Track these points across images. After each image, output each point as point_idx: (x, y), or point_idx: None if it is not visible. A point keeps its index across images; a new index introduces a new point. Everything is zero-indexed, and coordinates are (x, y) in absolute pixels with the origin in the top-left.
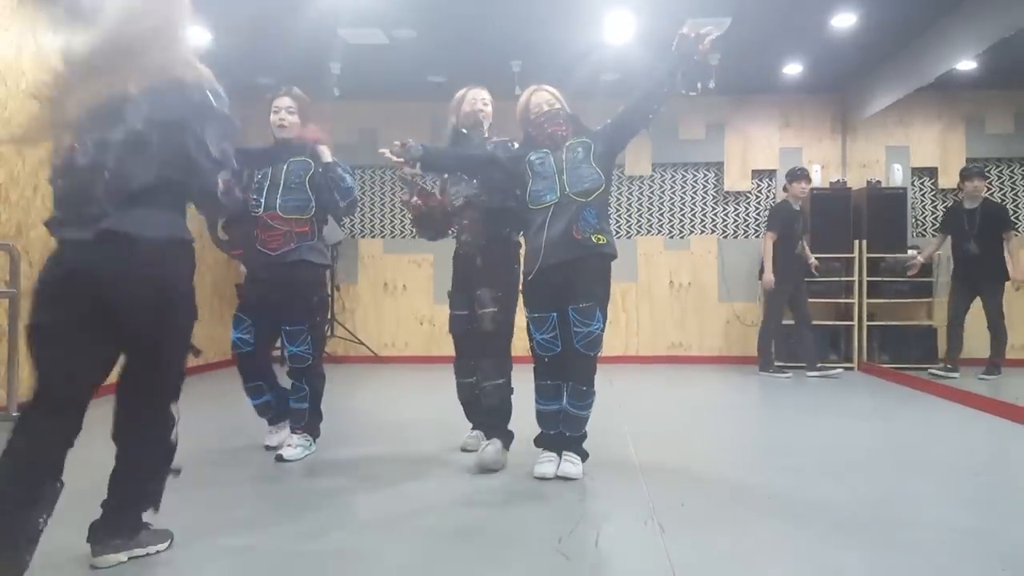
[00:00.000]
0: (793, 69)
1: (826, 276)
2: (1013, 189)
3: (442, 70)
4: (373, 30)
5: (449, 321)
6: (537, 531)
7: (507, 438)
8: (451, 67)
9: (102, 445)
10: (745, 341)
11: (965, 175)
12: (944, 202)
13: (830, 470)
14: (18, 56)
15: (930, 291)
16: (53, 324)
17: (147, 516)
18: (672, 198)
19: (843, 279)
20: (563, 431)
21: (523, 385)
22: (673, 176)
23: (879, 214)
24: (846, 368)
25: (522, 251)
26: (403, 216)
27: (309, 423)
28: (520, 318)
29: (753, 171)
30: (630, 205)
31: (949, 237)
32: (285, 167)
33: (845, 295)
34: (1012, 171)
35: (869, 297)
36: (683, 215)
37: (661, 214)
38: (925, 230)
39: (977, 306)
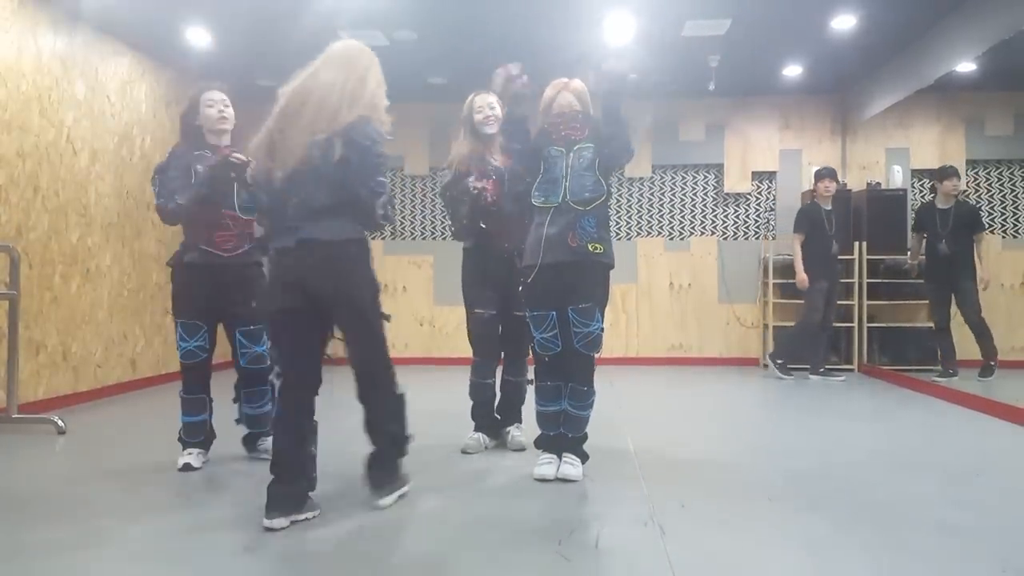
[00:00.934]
0: (793, 71)
1: None
2: (1013, 191)
3: (442, 72)
4: (373, 32)
5: (472, 321)
6: (537, 532)
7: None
8: (451, 69)
9: None
10: (745, 342)
11: (943, 175)
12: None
13: (831, 471)
14: (19, 58)
15: None
16: (281, 312)
17: None
18: (672, 199)
19: (843, 281)
20: (564, 432)
21: None
22: (673, 177)
23: (879, 216)
24: (846, 369)
25: None
26: (403, 217)
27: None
28: None
29: (753, 173)
30: (630, 207)
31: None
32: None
33: (845, 297)
34: (1012, 173)
35: (869, 299)
36: (683, 216)
37: (661, 215)
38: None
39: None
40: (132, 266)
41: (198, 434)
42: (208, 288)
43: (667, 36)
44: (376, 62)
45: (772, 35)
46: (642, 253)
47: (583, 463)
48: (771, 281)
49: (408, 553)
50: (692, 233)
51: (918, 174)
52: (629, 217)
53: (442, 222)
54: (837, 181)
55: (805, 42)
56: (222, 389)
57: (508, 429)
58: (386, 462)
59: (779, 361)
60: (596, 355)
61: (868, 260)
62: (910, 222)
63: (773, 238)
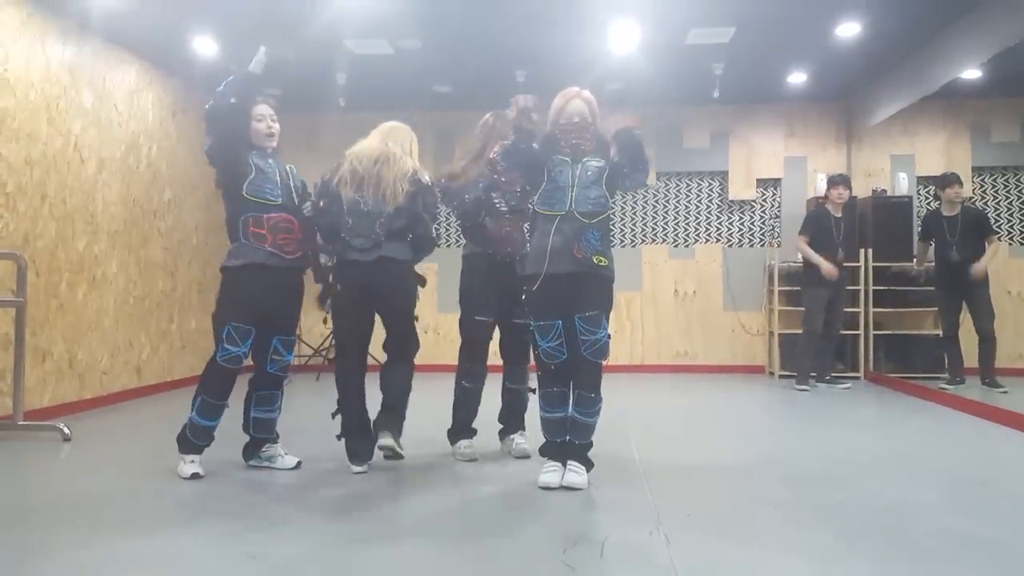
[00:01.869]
0: (797, 78)
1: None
2: (1020, 197)
3: (447, 80)
4: (379, 41)
5: (469, 325)
6: (542, 541)
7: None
8: (456, 77)
9: None
10: (750, 350)
11: (945, 182)
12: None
13: (836, 479)
14: (27, 68)
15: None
16: (345, 307)
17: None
18: (677, 207)
19: (848, 288)
20: (571, 439)
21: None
22: (678, 185)
23: (884, 223)
24: (852, 377)
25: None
26: None
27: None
28: None
29: (758, 180)
30: (635, 214)
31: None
32: (289, 168)
33: (851, 304)
34: (1019, 179)
35: (875, 306)
36: (688, 224)
37: (666, 223)
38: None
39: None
40: (138, 274)
41: (206, 438)
42: (268, 292)
43: (671, 44)
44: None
45: (776, 42)
46: (647, 260)
47: (588, 471)
48: (776, 288)
49: (409, 562)
50: (697, 240)
51: (923, 181)
52: (634, 224)
53: (447, 230)
54: (850, 189)
55: (810, 49)
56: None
57: (512, 436)
58: (394, 409)
59: (823, 382)
60: (603, 362)
61: (874, 267)
62: (916, 229)
63: (778, 245)
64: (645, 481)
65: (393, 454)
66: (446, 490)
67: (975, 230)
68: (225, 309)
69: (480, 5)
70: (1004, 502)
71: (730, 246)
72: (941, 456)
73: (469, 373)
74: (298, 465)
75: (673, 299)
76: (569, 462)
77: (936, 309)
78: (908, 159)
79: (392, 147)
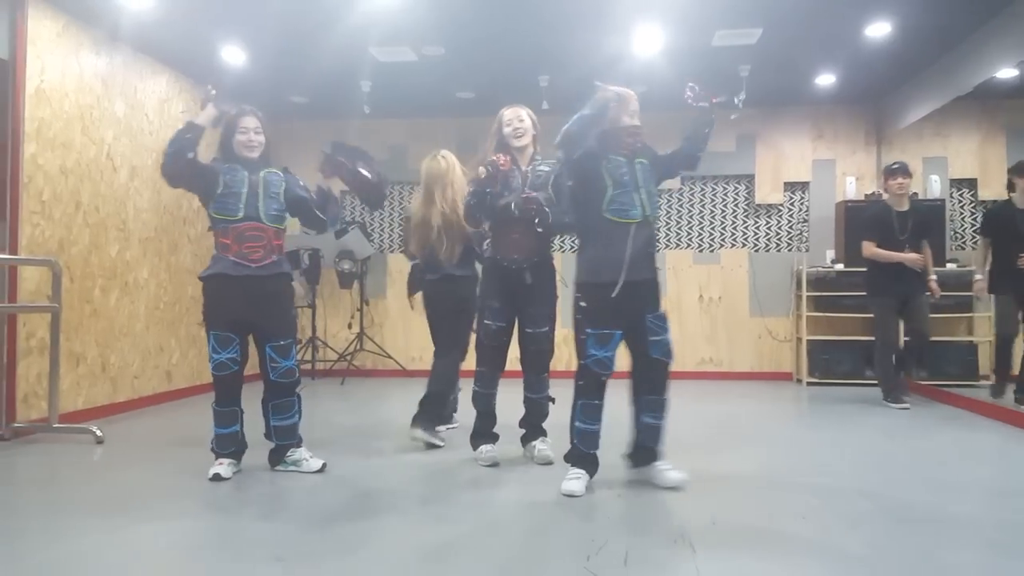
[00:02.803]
0: (826, 79)
1: (861, 291)
2: None
3: (470, 86)
4: (403, 48)
5: (482, 331)
6: (565, 548)
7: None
8: (479, 83)
9: None
10: (778, 356)
11: (1020, 171)
12: None
13: (865, 488)
14: (62, 78)
15: (970, 306)
16: (430, 316)
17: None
18: (702, 211)
19: None
20: (646, 444)
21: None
22: (703, 189)
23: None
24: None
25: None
26: None
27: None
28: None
29: (785, 183)
30: (658, 218)
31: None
32: (263, 176)
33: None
34: None
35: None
36: (713, 228)
37: (690, 227)
38: (964, 243)
39: None
40: (168, 279)
41: (229, 445)
42: (238, 300)
43: (697, 46)
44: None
45: (804, 44)
46: (671, 265)
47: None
48: (804, 294)
49: (431, 569)
50: (722, 245)
51: (956, 184)
52: (658, 229)
53: None
54: (910, 176)
55: (838, 50)
56: (255, 400)
57: (533, 443)
58: (433, 402)
59: (888, 401)
60: (670, 361)
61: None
62: (948, 232)
63: (806, 250)
64: (670, 488)
65: (427, 445)
66: (466, 496)
67: None
68: (205, 318)
69: (503, 10)
70: None
71: (756, 251)
72: (974, 466)
73: (480, 377)
74: (323, 468)
75: (698, 305)
76: (659, 462)
77: (969, 315)
78: (940, 161)
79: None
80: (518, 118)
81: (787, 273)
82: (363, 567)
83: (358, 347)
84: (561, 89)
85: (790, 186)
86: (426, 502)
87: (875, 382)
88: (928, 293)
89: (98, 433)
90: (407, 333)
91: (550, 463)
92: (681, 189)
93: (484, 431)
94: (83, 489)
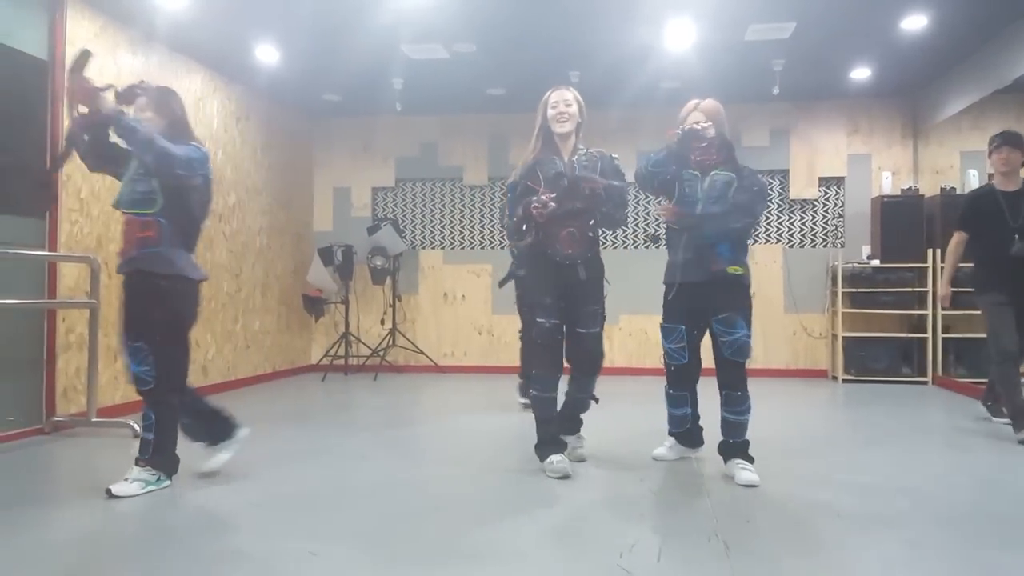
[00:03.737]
0: (861, 73)
1: (898, 287)
2: None
3: (501, 82)
4: (434, 45)
5: (535, 330)
6: (598, 545)
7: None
8: (510, 80)
9: None
10: (813, 353)
11: (997, 144)
12: None
13: (902, 488)
14: (100, 78)
15: None
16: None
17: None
18: None
19: (916, 290)
20: (727, 439)
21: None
22: None
23: (954, 222)
24: (920, 382)
25: None
26: (462, 227)
27: (154, 457)
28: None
29: (820, 178)
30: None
31: None
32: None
33: (918, 306)
34: None
35: (944, 309)
36: None
37: None
38: None
39: None
40: None
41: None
42: (125, 301)
43: (730, 40)
44: None
45: (839, 37)
46: None
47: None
48: (840, 290)
49: (462, 567)
50: (756, 241)
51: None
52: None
53: (500, 232)
54: (1020, 150)
55: (873, 43)
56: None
57: (568, 439)
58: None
59: (989, 403)
60: (744, 361)
61: (942, 268)
62: None
63: (842, 246)
64: (704, 486)
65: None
66: (495, 494)
67: None
68: None
69: (534, 6)
70: None
71: (791, 247)
72: (1013, 465)
73: (537, 380)
74: (107, 493)
75: None
76: (737, 460)
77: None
78: (979, 156)
79: None
80: (564, 101)
81: (822, 269)
82: (391, 562)
83: (391, 343)
84: (592, 83)
85: (825, 181)
86: (453, 499)
87: (913, 378)
88: None
89: (135, 428)
90: (439, 329)
91: (582, 460)
92: None
93: (550, 439)
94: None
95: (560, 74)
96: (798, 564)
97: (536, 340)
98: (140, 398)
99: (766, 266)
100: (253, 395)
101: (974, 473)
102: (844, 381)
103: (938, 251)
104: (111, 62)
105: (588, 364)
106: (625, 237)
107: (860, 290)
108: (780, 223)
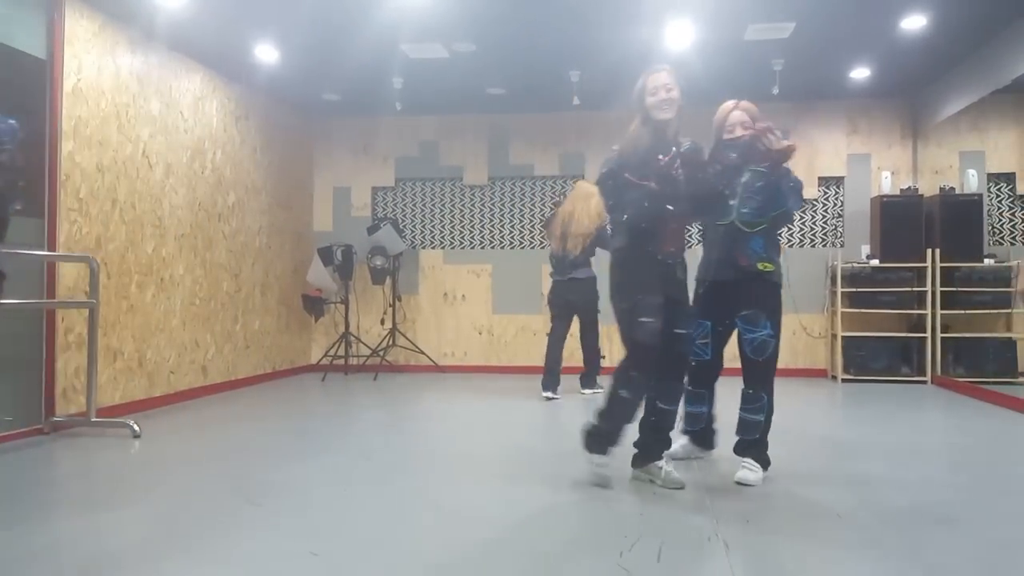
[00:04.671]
0: (860, 73)
1: (897, 287)
2: None
3: (501, 82)
4: (434, 45)
5: (640, 330)
6: (598, 544)
7: None
8: (510, 79)
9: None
10: (812, 353)
11: None
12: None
13: (902, 486)
14: (99, 77)
15: (1008, 302)
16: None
17: None
18: None
19: (915, 289)
20: (738, 436)
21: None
22: None
23: (953, 222)
24: (919, 381)
25: None
26: (462, 227)
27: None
28: None
29: (820, 178)
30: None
31: None
32: None
33: (917, 306)
34: None
35: (943, 308)
36: None
37: None
38: (1003, 238)
39: None
40: (204, 276)
41: None
42: None
43: (729, 40)
44: (596, 192)
45: (838, 37)
46: None
47: (764, 469)
48: (839, 290)
49: (462, 565)
50: None
51: (994, 178)
52: (691, 224)
53: (500, 231)
54: None
55: (873, 44)
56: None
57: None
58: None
59: None
60: (762, 359)
61: (941, 268)
62: (987, 228)
63: (841, 245)
64: (704, 485)
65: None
66: (497, 493)
67: None
68: None
69: (534, 6)
70: None
71: (790, 246)
72: (1013, 463)
73: (631, 383)
74: None
75: None
76: (744, 460)
77: (1008, 311)
78: (978, 155)
79: (578, 205)
80: (665, 87)
81: (822, 269)
82: (396, 559)
83: (391, 343)
84: (592, 84)
85: (824, 181)
86: (454, 503)
87: (911, 377)
88: None
89: (135, 427)
90: (439, 329)
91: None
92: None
93: (650, 447)
94: (120, 485)
95: (560, 74)
96: (798, 563)
97: (640, 340)
98: (139, 398)
99: None
100: (253, 395)
101: (973, 472)
102: (843, 381)
103: (937, 251)
104: (110, 62)
105: (680, 368)
106: None
107: (859, 290)
108: None
